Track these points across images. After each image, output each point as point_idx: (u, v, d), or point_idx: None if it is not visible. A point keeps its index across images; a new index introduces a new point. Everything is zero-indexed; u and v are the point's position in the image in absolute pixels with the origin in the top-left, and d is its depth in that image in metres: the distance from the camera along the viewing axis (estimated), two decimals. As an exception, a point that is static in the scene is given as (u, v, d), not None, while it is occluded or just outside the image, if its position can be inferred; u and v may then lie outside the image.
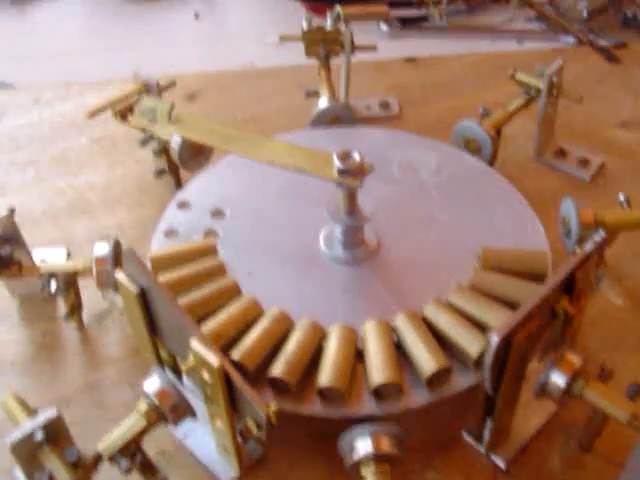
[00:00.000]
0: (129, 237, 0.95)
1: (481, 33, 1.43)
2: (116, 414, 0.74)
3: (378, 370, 0.68)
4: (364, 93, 1.19)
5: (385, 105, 1.15)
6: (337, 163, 0.73)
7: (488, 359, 0.60)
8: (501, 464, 0.71)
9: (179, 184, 0.98)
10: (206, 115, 1.15)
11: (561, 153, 1.05)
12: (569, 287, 0.67)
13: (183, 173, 0.98)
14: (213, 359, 0.58)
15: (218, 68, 1.29)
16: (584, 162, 1.04)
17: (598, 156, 1.06)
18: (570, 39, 1.38)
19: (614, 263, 0.91)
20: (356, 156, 0.73)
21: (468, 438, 0.73)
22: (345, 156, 0.73)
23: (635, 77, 1.23)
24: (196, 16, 1.53)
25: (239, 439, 0.67)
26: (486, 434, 0.70)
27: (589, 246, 0.67)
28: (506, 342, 0.60)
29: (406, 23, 1.44)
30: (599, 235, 0.68)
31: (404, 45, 1.39)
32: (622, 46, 1.31)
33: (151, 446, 0.72)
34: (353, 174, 0.73)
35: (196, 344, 0.59)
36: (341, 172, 0.73)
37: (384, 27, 1.41)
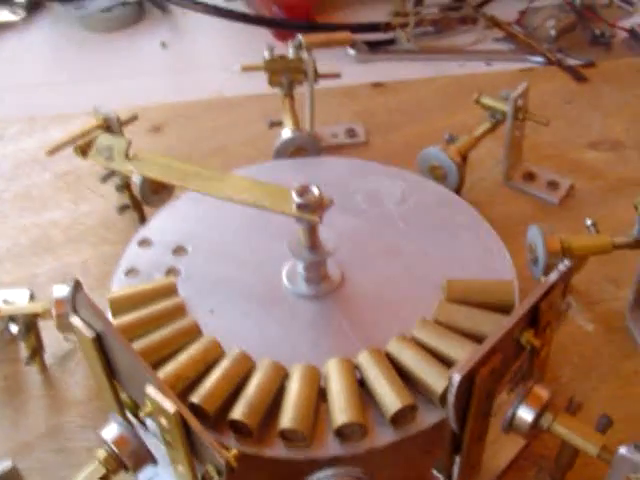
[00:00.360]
0: (93, 275, 0.94)
1: (449, 55, 1.43)
2: (79, 460, 0.73)
3: (341, 410, 0.66)
4: (331, 120, 1.18)
5: (351, 132, 1.14)
6: (295, 198, 0.72)
7: (451, 398, 0.59)
8: (472, 501, 0.70)
9: (143, 219, 0.97)
10: (170, 147, 1.14)
11: (530, 176, 1.04)
12: (534, 319, 0.65)
13: (148, 208, 0.97)
14: (169, 405, 0.56)
15: (186, 98, 1.28)
16: (553, 185, 1.03)
17: (567, 178, 1.05)
18: (539, 59, 1.38)
19: (584, 288, 0.90)
20: (315, 190, 0.72)
21: (438, 475, 0.71)
22: (303, 191, 0.72)
23: (603, 96, 1.22)
24: (163, 45, 1.51)
25: (202, 484, 0.66)
26: (455, 471, 0.69)
27: (553, 276, 0.66)
28: (469, 379, 0.58)
29: (373, 47, 1.43)
30: (563, 265, 0.67)
31: (372, 69, 1.38)
32: (591, 65, 1.31)
33: None
34: (312, 209, 0.72)
35: (151, 390, 0.58)
36: (300, 207, 0.72)
37: (351, 51, 1.40)
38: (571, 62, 1.35)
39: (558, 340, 0.83)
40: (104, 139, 0.84)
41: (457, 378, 0.57)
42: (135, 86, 1.37)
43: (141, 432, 0.72)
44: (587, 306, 0.88)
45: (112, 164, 0.82)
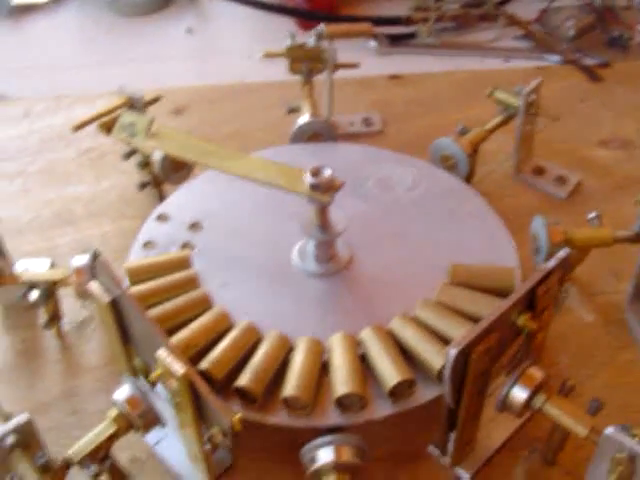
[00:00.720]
0: (112, 248, 0.96)
1: (468, 51, 1.44)
2: (91, 421, 0.74)
3: (342, 382, 0.69)
4: (348, 109, 1.20)
5: (368, 121, 1.17)
6: (308, 179, 0.74)
7: (447, 371, 0.61)
8: (465, 477, 0.72)
9: (162, 197, 1.00)
10: (191, 129, 1.17)
11: (539, 171, 1.06)
12: (531, 303, 0.68)
13: (167, 185, 1.00)
14: (178, 367, 0.59)
15: (209, 83, 1.31)
16: (561, 180, 1.05)
17: (576, 174, 1.06)
18: (556, 57, 1.40)
19: (587, 280, 0.92)
20: (327, 172, 0.75)
21: (433, 451, 0.74)
22: (316, 172, 0.75)
23: (616, 96, 1.24)
24: (189, 31, 1.54)
25: (207, 447, 0.68)
26: (450, 447, 0.71)
27: (551, 263, 0.68)
28: (464, 355, 0.61)
29: (394, 40, 1.45)
30: (562, 252, 0.69)
31: (392, 62, 1.40)
32: (606, 65, 1.33)
33: (124, 452, 0.75)
34: (324, 190, 0.75)
35: (163, 353, 0.60)
36: (312, 187, 0.75)
37: (372, 44, 1.42)
38: (587, 62, 1.36)
39: (558, 329, 0.86)
40: (127, 116, 0.87)
41: (453, 353, 0.60)
42: (160, 69, 1.40)
43: (152, 396, 0.75)
44: (588, 297, 0.90)
45: (134, 140, 0.85)
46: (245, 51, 1.43)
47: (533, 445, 0.75)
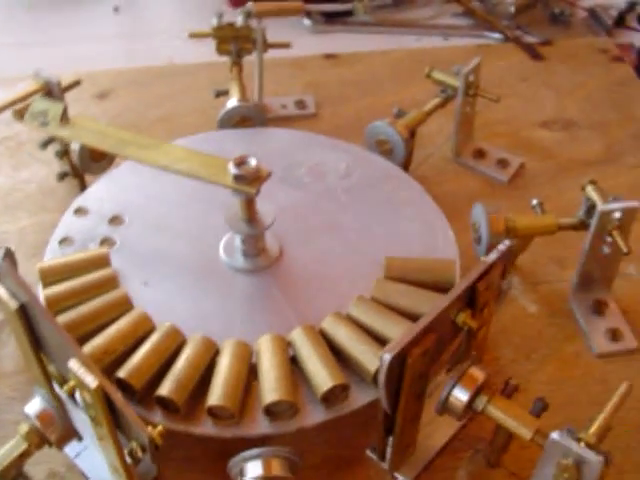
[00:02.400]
0: (30, 244, 0.91)
1: (406, 29, 1.40)
2: (6, 432, 0.72)
3: (270, 388, 0.65)
4: (282, 91, 1.16)
5: (301, 104, 1.12)
6: (232, 169, 0.70)
7: (381, 377, 0.57)
8: (405, 482, 0.69)
9: (84, 188, 0.95)
10: (116, 114, 1.11)
11: (480, 154, 1.03)
12: (471, 299, 0.64)
13: (90, 176, 0.94)
14: (90, 380, 0.55)
15: (137, 65, 1.25)
16: (503, 163, 1.02)
17: (518, 156, 1.03)
18: (497, 35, 1.36)
19: (529, 268, 0.89)
20: (252, 162, 0.70)
21: (372, 455, 0.70)
22: (241, 162, 0.70)
23: (558, 74, 1.21)
24: (116, 10, 1.48)
25: (129, 460, 0.64)
26: (389, 452, 0.68)
27: (491, 257, 0.65)
28: (400, 359, 0.57)
29: (330, 18, 1.40)
30: (503, 245, 0.66)
31: (328, 41, 1.35)
32: (548, 43, 1.30)
33: (41, 466, 0.70)
34: (249, 181, 0.70)
35: (74, 364, 0.56)
36: (236, 179, 0.70)
37: (307, 22, 1.37)
38: (529, 40, 1.33)
39: (500, 321, 0.83)
40: (39, 103, 0.81)
41: (387, 358, 0.56)
42: (86, 51, 1.33)
43: (70, 407, 0.70)
44: (531, 287, 0.87)
45: (46, 129, 0.79)
46: (175, 31, 1.37)
47: (476, 446, 0.72)
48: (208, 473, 0.69)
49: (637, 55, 1.31)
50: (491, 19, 1.40)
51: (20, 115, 0.88)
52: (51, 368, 0.67)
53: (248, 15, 0.99)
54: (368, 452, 0.70)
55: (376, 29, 1.40)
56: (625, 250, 0.76)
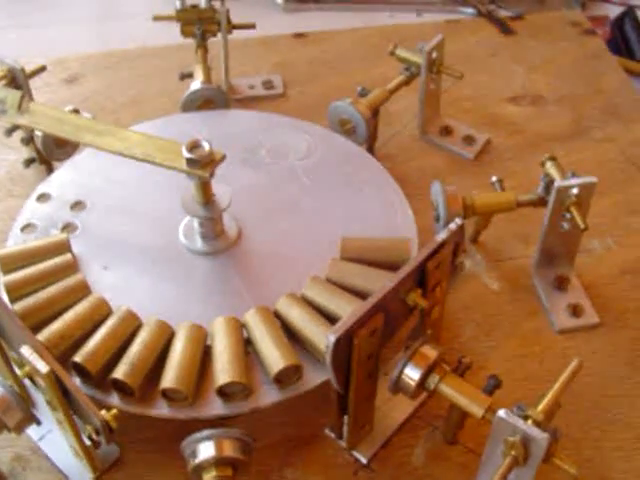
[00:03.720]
0: (-5, 230, 0.91)
1: (379, 5, 1.40)
2: None
3: (223, 369, 0.66)
4: (251, 71, 1.15)
5: (269, 84, 1.11)
6: (185, 153, 0.70)
7: (328, 358, 0.58)
8: (362, 459, 0.70)
9: (51, 173, 0.95)
10: (85, 99, 1.11)
11: (446, 130, 1.03)
12: (422, 279, 0.65)
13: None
14: (42, 366, 0.56)
15: (110, 47, 1.25)
16: (469, 139, 1.02)
17: (485, 132, 1.03)
18: (470, 10, 1.36)
19: (494, 246, 0.89)
20: (205, 145, 0.70)
21: (330, 434, 0.71)
22: (193, 146, 0.70)
23: (528, 49, 1.20)
24: (89, -8, 1.48)
25: (88, 442, 0.65)
26: (345, 431, 0.68)
27: (440, 236, 0.65)
28: (347, 340, 0.58)
29: (302, -5, 1.40)
30: (454, 224, 0.66)
31: (300, 19, 1.36)
32: (519, 18, 1.29)
33: (6, 450, 0.71)
34: (202, 164, 0.70)
35: (26, 350, 0.57)
36: (189, 162, 0.70)
37: (279, 0, 1.37)
38: (502, 14, 1.32)
39: (461, 298, 0.83)
40: (-2, 91, 0.81)
41: (332, 339, 0.57)
42: (57, 35, 1.33)
43: (33, 391, 0.71)
44: (494, 264, 0.87)
45: (5, 117, 0.80)
46: (149, 13, 1.36)
47: (434, 424, 0.73)
48: (168, 453, 0.70)
49: (611, 27, 1.31)
50: (464, -6, 1.40)
51: (-16, 103, 0.89)
52: (12, 354, 0.68)
53: (212, -4, 0.99)
54: (326, 431, 0.71)
55: (349, 6, 1.39)
56: (582, 226, 0.76)
